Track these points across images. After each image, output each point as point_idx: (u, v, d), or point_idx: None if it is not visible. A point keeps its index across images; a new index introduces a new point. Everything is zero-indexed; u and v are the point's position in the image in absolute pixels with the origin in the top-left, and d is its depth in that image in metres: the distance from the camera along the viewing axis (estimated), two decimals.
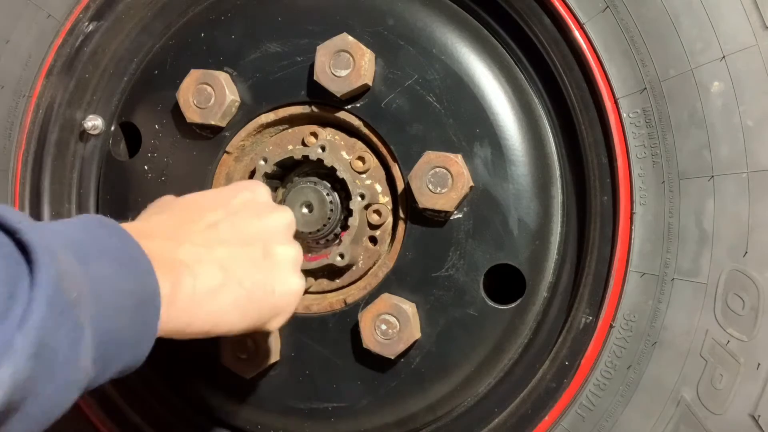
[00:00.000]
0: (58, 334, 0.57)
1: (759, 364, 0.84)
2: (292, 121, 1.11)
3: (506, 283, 1.02)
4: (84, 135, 1.26)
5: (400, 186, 1.03)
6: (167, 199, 0.90)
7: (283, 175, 1.13)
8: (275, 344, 1.08)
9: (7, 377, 0.52)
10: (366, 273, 1.07)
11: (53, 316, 0.56)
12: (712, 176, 0.86)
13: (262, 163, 1.09)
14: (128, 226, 0.74)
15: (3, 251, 0.56)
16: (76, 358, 0.59)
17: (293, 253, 0.90)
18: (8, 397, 0.53)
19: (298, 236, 1.08)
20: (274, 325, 0.88)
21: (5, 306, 0.53)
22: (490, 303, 1.00)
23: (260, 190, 0.94)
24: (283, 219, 0.92)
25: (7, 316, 0.53)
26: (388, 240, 1.06)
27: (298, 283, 0.89)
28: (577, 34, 0.93)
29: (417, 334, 1.00)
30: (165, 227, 0.81)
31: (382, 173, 1.07)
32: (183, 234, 0.80)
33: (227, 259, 0.81)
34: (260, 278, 0.84)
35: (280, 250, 0.88)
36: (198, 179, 1.13)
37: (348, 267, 1.07)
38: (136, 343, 0.68)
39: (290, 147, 1.10)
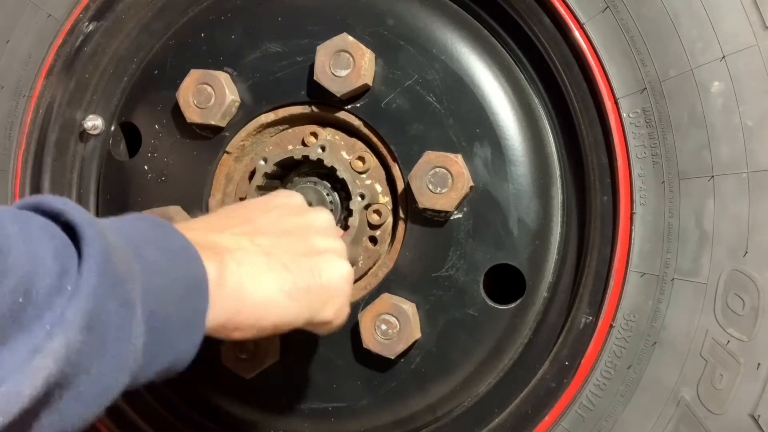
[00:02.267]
0: (109, 307, 0.56)
1: (759, 364, 0.84)
2: (292, 121, 1.11)
3: (506, 283, 1.02)
4: (84, 135, 1.26)
5: (400, 186, 1.03)
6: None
7: (283, 175, 1.13)
8: (275, 344, 1.08)
9: (60, 348, 0.52)
10: (366, 273, 1.07)
11: (104, 288, 0.56)
12: (712, 176, 0.86)
13: (262, 163, 1.09)
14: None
15: (50, 232, 0.56)
16: (128, 335, 0.58)
17: (336, 244, 0.88)
18: (61, 369, 0.53)
19: None
20: (329, 312, 0.84)
21: (58, 282, 0.54)
22: (490, 303, 1.00)
23: (294, 196, 0.94)
24: (321, 217, 0.90)
25: (59, 291, 0.53)
26: (388, 240, 1.06)
27: (347, 267, 0.86)
28: (577, 34, 0.93)
29: (417, 334, 1.00)
30: (203, 223, 0.82)
31: (382, 173, 1.07)
32: (222, 227, 0.80)
33: (269, 245, 0.79)
34: (305, 262, 0.81)
35: (321, 242, 0.86)
36: (198, 179, 1.13)
37: None
38: (185, 333, 0.66)
39: (290, 147, 1.10)
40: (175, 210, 1.11)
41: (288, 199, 0.92)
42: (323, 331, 0.88)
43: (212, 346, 1.08)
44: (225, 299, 0.71)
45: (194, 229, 0.74)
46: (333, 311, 0.85)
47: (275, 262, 0.78)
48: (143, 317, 0.60)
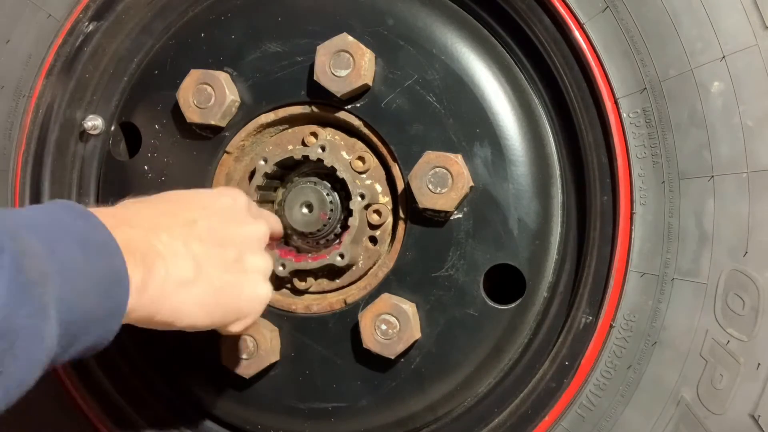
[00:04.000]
0: (20, 314, 0.58)
1: (759, 364, 0.84)
2: (292, 121, 1.11)
3: (506, 283, 1.02)
4: (84, 135, 1.26)
5: (400, 186, 1.03)
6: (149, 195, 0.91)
7: (283, 175, 1.13)
8: (275, 344, 1.08)
9: None
10: (366, 273, 1.07)
11: (15, 297, 0.58)
12: (712, 176, 0.86)
13: (262, 163, 1.09)
14: (104, 211, 0.74)
15: None
16: (40, 338, 0.61)
17: (265, 263, 0.92)
18: None
19: (299, 236, 1.08)
20: (236, 328, 0.89)
21: None
22: (490, 303, 1.00)
23: (240, 198, 0.94)
24: (258, 230, 0.93)
25: None
26: (388, 240, 1.06)
27: (267, 290, 0.91)
28: (577, 34, 0.93)
29: (417, 334, 1.00)
30: (144, 215, 0.81)
31: (382, 173, 1.07)
32: (161, 224, 0.80)
33: (201, 255, 0.82)
34: (230, 279, 0.85)
35: (251, 259, 0.89)
36: (198, 179, 1.13)
37: (348, 267, 1.07)
38: (104, 322, 0.69)
39: (290, 147, 1.10)
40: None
41: (234, 201, 0.93)
42: (223, 333, 0.92)
43: (212, 346, 1.09)
44: (146, 303, 0.74)
45: (130, 224, 0.75)
46: (241, 327, 0.90)
47: (203, 275, 0.81)
48: (57, 316, 0.63)
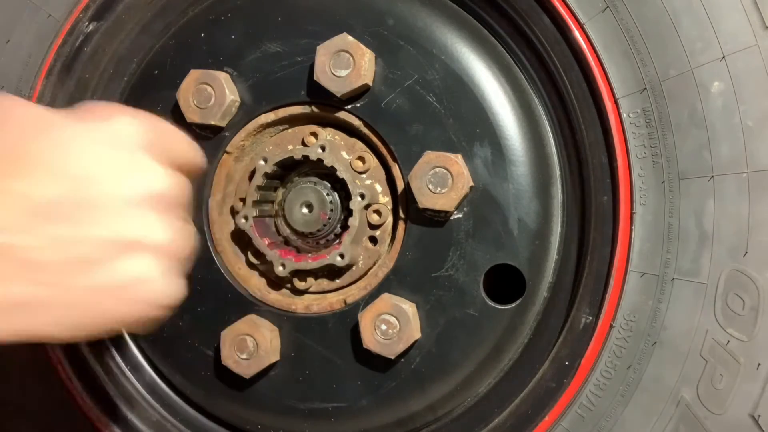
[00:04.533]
0: None
1: (759, 364, 0.84)
2: (292, 121, 1.11)
3: (506, 283, 1.02)
4: None
5: (400, 186, 1.03)
6: (15, 117, 0.62)
7: (284, 175, 1.13)
8: (275, 344, 1.08)
9: None
10: (366, 273, 1.07)
11: None
12: (712, 176, 0.86)
13: (262, 163, 1.09)
14: None
15: None
16: None
17: (163, 239, 0.64)
18: None
19: (299, 236, 1.08)
20: (132, 330, 0.68)
21: None
22: (490, 303, 1.00)
23: (131, 136, 0.64)
24: (153, 186, 0.64)
25: None
26: (388, 240, 1.06)
27: (160, 289, 0.65)
28: (577, 34, 0.93)
29: (417, 334, 1.00)
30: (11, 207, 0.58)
31: (382, 173, 1.07)
32: (4, 210, 0.58)
33: (53, 260, 0.60)
34: (94, 286, 0.62)
35: (142, 239, 0.63)
36: (198, 179, 1.12)
37: (348, 267, 1.07)
38: None
39: (290, 147, 1.10)
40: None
41: (117, 147, 0.64)
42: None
43: (212, 346, 1.09)
44: None
45: None
46: (141, 330, 0.68)
47: (56, 288, 0.61)
48: None
